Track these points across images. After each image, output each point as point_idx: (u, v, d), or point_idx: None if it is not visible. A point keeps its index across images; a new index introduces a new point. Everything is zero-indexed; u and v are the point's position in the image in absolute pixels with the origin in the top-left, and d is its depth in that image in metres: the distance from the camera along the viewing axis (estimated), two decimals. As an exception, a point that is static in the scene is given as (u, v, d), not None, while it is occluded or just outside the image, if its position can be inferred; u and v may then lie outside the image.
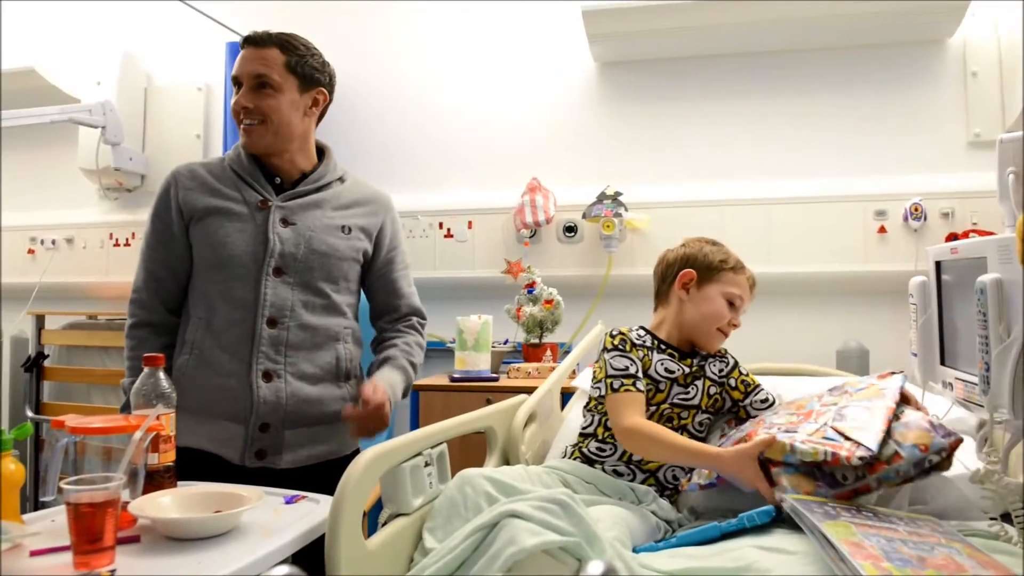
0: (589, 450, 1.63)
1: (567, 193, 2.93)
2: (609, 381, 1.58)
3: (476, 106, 3.14)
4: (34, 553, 1.08)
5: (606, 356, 1.63)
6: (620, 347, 1.63)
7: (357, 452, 1.82)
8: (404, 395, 1.84)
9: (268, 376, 1.66)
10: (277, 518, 1.27)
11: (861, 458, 1.17)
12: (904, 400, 1.37)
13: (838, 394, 1.46)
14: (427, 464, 1.41)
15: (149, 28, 3.43)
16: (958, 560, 0.98)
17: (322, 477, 1.59)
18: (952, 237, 2.53)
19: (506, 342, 2.83)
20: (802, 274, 2.72)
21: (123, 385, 1.72)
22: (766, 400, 1.69)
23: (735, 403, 1.71)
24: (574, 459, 1.65)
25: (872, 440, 1.19)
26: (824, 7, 2.59)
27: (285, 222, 1.73)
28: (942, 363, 1.60)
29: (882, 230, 2.66)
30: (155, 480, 1.27)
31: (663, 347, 1.68)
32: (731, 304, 1.69)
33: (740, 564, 1.07)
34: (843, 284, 2.71)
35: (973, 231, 2.50)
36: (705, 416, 1.67)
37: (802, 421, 1.36)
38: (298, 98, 1.75)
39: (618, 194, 2.83)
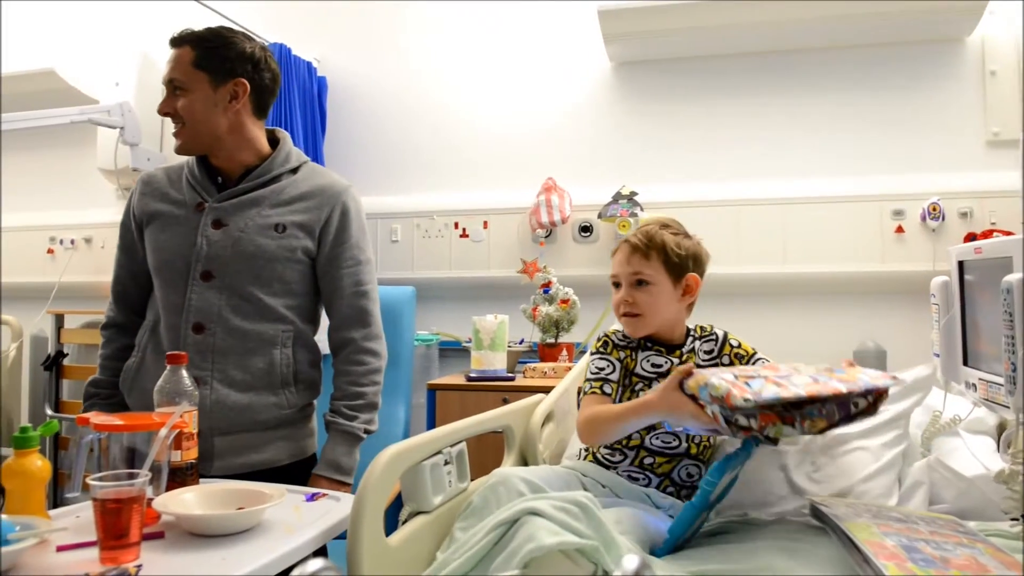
0: (602, 454, 1.62)
1: (583, 193, 2.93)
2: (585, 383, 1.61)
3: (492, 106, 3.14)
4: (60, 548, 1.09)
5: (590, 359, 1.64)
6: (602, 350, 1.63)
7: (303, 462, 1.77)
8: (363, 437, 1.76)
9: (196, 383, 1.54)
10: (298, 515, 1.27)
11: (746, 399, 1.12)
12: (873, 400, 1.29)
13: (822, 369, 1.37)
14: (447, 462, 1.42)
15: (166, 29, 3.43)
16: (981, 560, 0.98)
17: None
18: (971, 237, 2.51)
19: (522, 342, 2.84)
20: (819, 274, 2.71)
21: (88, 381, 1.77)
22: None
23: None
24: (587, 460, 1.65)
25: (768, 392, 1.14)
26: (841, 6, 2.58)
27: (218, 224, 1.67)
28: (965, 363, 1.59)
29: (900, 230, 2.65)
30: (178, 477, 1.28)
31: (648, 344, 1.64)
32: (616, 285, 1.63)
33: (759, 564, 1.08)
34: (860, 284, 2.70)
35: (994, 231, 2.48)
36: None
37: (749, 374, 1.28)
38: (211, 93, 1.67)
39: (634, 194, 2.83)
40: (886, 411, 1.64)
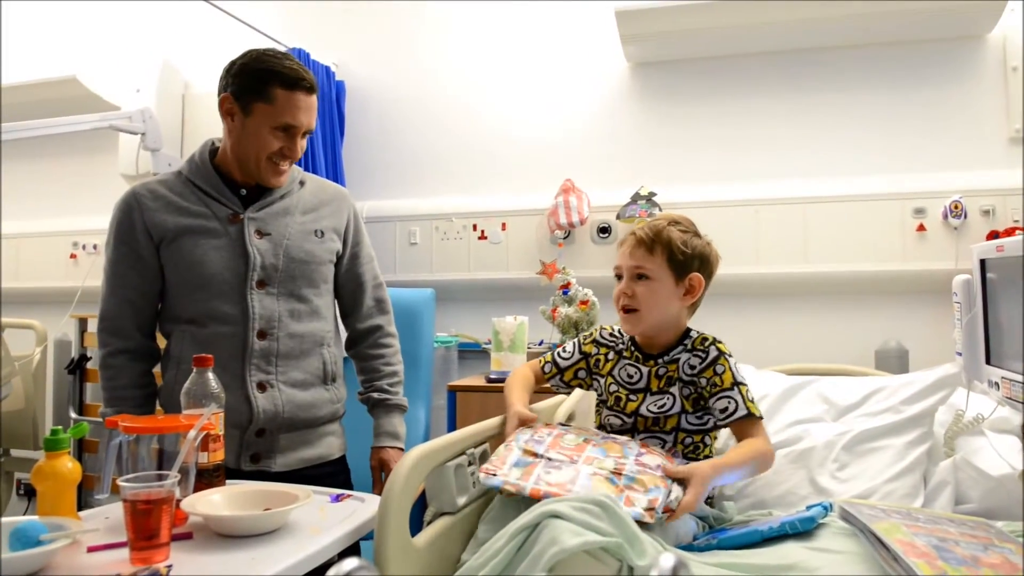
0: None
1: (601, 194, 2.92)
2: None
3: (509, 108, 3.15)
4: (91, 549, 1.11)
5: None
6: (583, 337, 1.71)
7: (342, 459, 1.88)
8: (407, 409, 1.93)
9: (262, 387, 1.67)
10: (324, 516, 1.28)
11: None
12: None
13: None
14: (470, 463, 1.43)
15: (187, 36, 3.48)
16: (1012, 560, 0.97)
17: (312, 481, 1.58)
18: (993, 235, 2.49)
19: (541, 343, 2.84)
20: (840, 273, 2.69)
21: (101, 414, 1.69)
22: (725, 410, 1.49)
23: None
24: None
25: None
26: (860, 5, 2.56)
27: (260, 233, 1.71)
28: (987, 362, 1.58)
29: (921, 228, 2.63)
30: (205, 478, 1.29)
31: (633, 350, 1.62)
32: (619, 277, 1.62)
33: (787, 563, 1.07)
34: (881, 283, 2.68)
35: (1016, 228, 2.46)
36: (692, 420, 1.53)
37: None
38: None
39: (652, 194, 2.82)
40: (911, 408, 1.63)
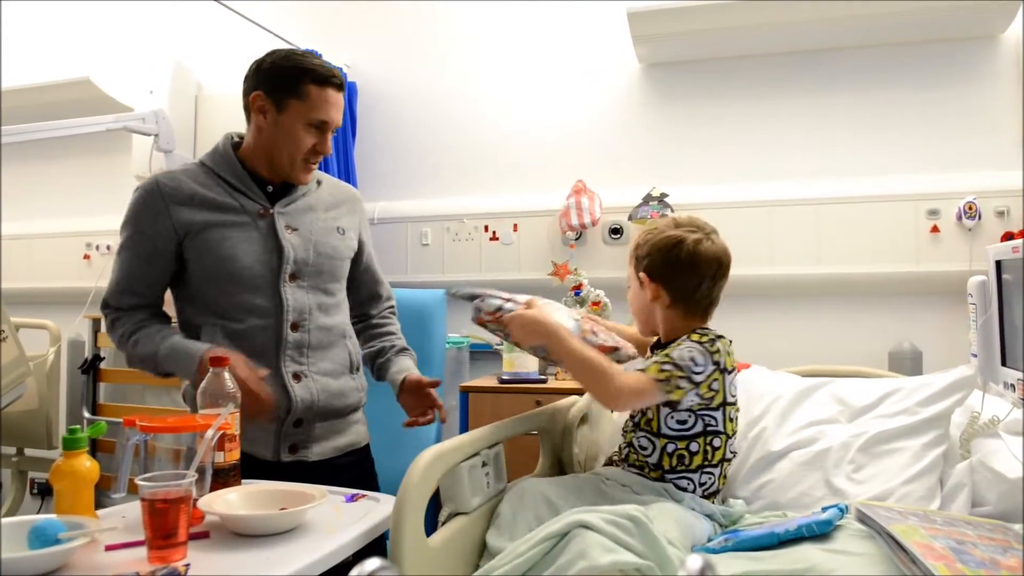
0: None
1: (613, 195, 2.92)
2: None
3: (521, 108, 3.15)
4: (109, 548, 1.11)
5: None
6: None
7: (368, 447, 1.92)
8: None
9: (297, 377, 1.69)
10: (339, 516, 1.28)
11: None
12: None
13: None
14: (484, 464, 1.43)
15: (199, 38, 3.50)
16: (1031, 563, 0.96)
17: (344, 469, 1.77)
18: (1008, 236, 2.48)
19: (552, 344, 2.83)
20: (853, 274, 2.68)
21: (185, 389, 1.75)
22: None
23: None
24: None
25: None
26: (873, 5, 2.55)
27: (289, 228, 1.74)
28: (1003, 364, 1.57)
29: (935, 229, 2.61)
30: (221, 478, 1.30)
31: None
32: None
33: (804, 565, 1.07)
34: (895, 284, 2.67)
35: (1031, 229, 2.45)
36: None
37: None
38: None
39: (664, 195, 2.82)
40: (927, 410, 1.63)
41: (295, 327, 1.70)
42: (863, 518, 1.09)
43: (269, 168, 1.74)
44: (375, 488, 1.81)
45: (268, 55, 1.73)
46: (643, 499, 1.41)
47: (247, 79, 1.74)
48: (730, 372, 1.50)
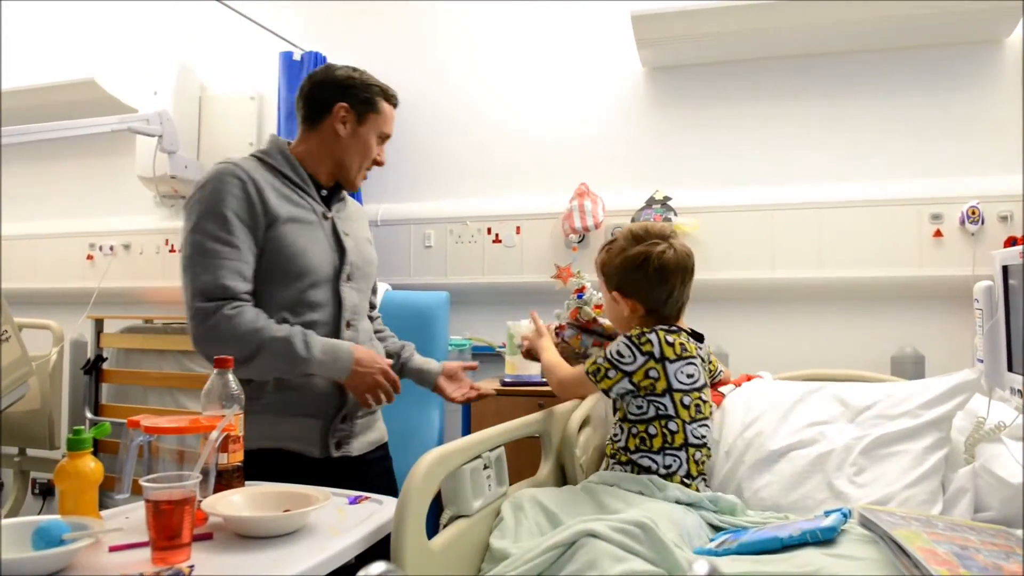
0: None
1: (616, 198, 2.92)
2: None
3: (524, 111, 3.15)
4: (113, 549, 1.12)
5: None
6: None
7: (387, 444, 1.99)
8: None
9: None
10: (342, 518, 1.29)
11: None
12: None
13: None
14: (486, 467, 1.43)
15: (204, 39, 3.50)
16: (1035, 568, 0.96)
17: (375, 463, 1.88)
18: (1011, 241, 2.47)
19: (555, 347, 2.83)
20: (855, 279, 2.68)
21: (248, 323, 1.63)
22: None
23: None
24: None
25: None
26: (877, 8, 2.55)
27: (343, 232, 1.83)
28: (1009, 369, 1.57)
29: (938, 234, 2.61)
30: (225, 479, 1.30)
31: None
32: None
33: (808, 570, 1.07)
34: (898, 289, 2.67)
35: (1036, 234, 2.45)
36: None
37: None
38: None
39: (667, 198, 2.82)
40: (928, 413, 1.62)
41: (348, 325, 1.79)
42: (866, 522, 1.09)
43: (329, 173, 1.84)
44: (396, 483, 1.91)
45: (334, 70, 1.84)
46: (629, 495, 1.45)
47: (323, 91, 1.82)
48: (673, 361, 1.57)
